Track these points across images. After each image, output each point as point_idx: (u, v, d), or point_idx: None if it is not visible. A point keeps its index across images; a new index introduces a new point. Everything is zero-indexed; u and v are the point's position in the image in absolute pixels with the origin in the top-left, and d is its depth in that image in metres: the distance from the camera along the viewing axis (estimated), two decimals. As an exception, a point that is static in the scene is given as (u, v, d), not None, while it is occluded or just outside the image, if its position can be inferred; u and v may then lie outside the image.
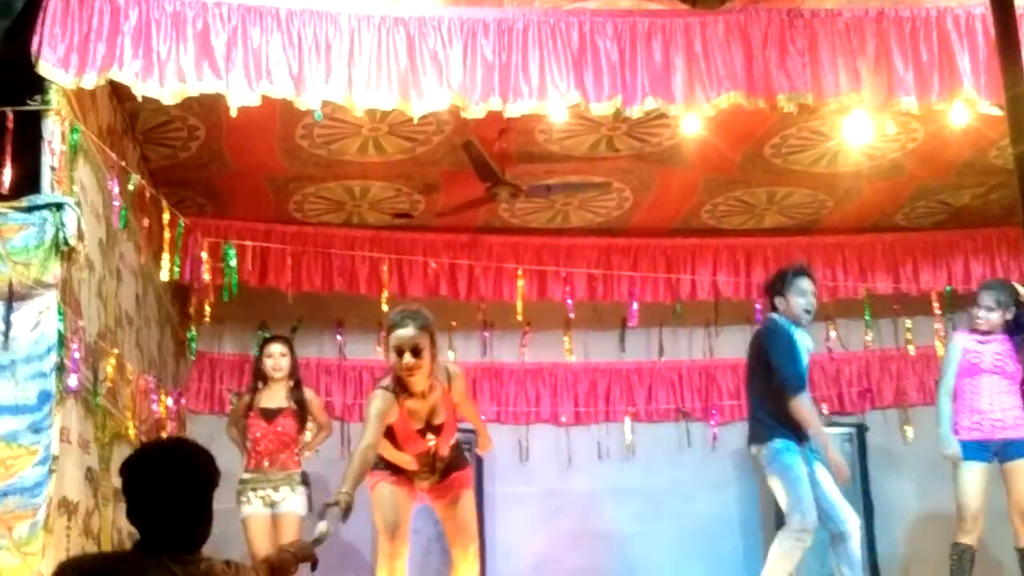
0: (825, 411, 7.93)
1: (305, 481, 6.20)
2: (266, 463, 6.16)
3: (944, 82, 5.06)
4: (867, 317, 8.01)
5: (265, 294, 7.25)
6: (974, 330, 6.01)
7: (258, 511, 6.12)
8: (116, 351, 5.11)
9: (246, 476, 6.17)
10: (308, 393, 6.45)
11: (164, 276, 5.78)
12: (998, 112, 4.97)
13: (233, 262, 6.53)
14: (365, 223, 7.54)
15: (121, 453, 5.31)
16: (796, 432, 5.44)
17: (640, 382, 8.27)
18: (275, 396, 6.30)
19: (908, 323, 8.16)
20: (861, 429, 7.73)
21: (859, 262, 7.87)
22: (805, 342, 5.60)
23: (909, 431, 8.00)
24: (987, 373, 5.87)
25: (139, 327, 5.95)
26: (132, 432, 5.36)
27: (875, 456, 7.71)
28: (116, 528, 5.12)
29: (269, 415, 6.23)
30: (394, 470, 4.90)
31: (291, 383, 6.32)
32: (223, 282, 6.57)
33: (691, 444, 8.18)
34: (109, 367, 4.90)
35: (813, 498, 5.36)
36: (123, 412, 5.28)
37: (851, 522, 5.51)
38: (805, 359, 5.57)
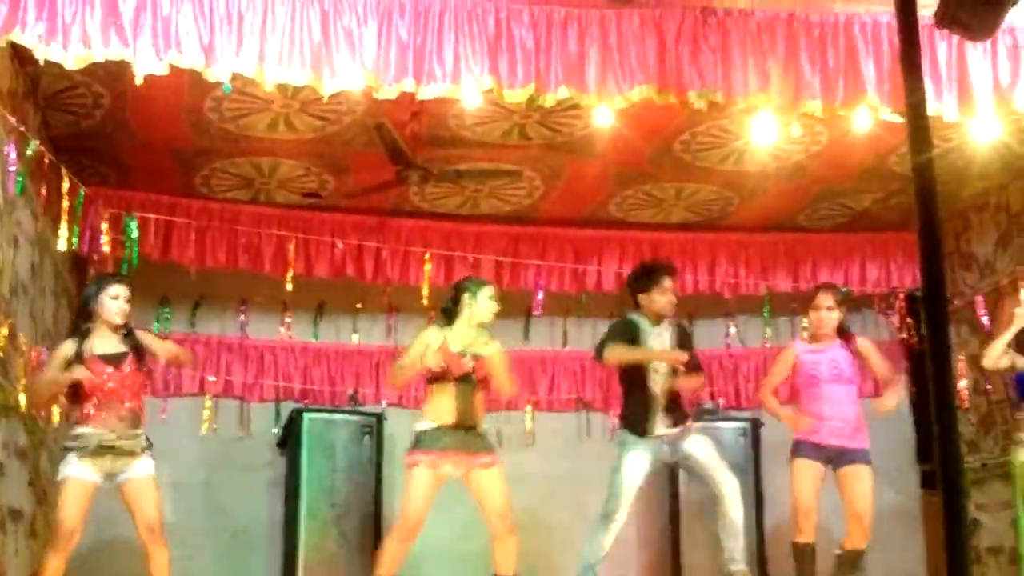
0: (722, 404, 8.08)
1: (149, 446, 5.20)
2: (108, 416, 5.09)
3: (849, 87, 5.19)
4: (766, 314, 8.16)
5: (167, 269, 7.11)
6: (811, 339, 6.07)
7: (85, 476, 5.00)
8: (10, 320, 4.98)
9: (81, 431, 5.06)
10: (140, 334, 5.40)
11: (61, 246, 5.63)
12: (899, 119, 5.11)
13: (135, 234, 6.39)
14: (273, 201, 7.44)
15: (10, 425, 5.18)
16: (638, 422, 5.78)
17: (543, 371, 8.31)
18: (109, 342, 5.23)
19: (805, 322, 8.32)
20: (756, 424, 7.86)
21: (761, 260, 8.01)
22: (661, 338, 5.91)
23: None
24: (825, 383, 5.88)
25: (34, 297, 5.80)
26: (23, 404, 5.22)
27: (768, 451, 7.84)
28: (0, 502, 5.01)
29: (114, 360, 5.16)
30: None
31: (124, 331, 5.29)
32: (123, 255, 6.43)
33: (590, 434, 8.26)
34: (1, 337, 4.77)
35: (633, 487, 5.77)
36: (13, 384, 5.15)
37: (726, 485, 5.71)
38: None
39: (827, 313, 5.97)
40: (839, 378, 5.88)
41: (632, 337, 5.83)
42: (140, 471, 5.10)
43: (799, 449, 5.88)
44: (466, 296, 5.76)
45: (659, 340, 5.89)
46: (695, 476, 6.00)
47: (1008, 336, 6.15)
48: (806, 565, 5.85)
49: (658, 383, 5.80)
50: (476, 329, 5.74)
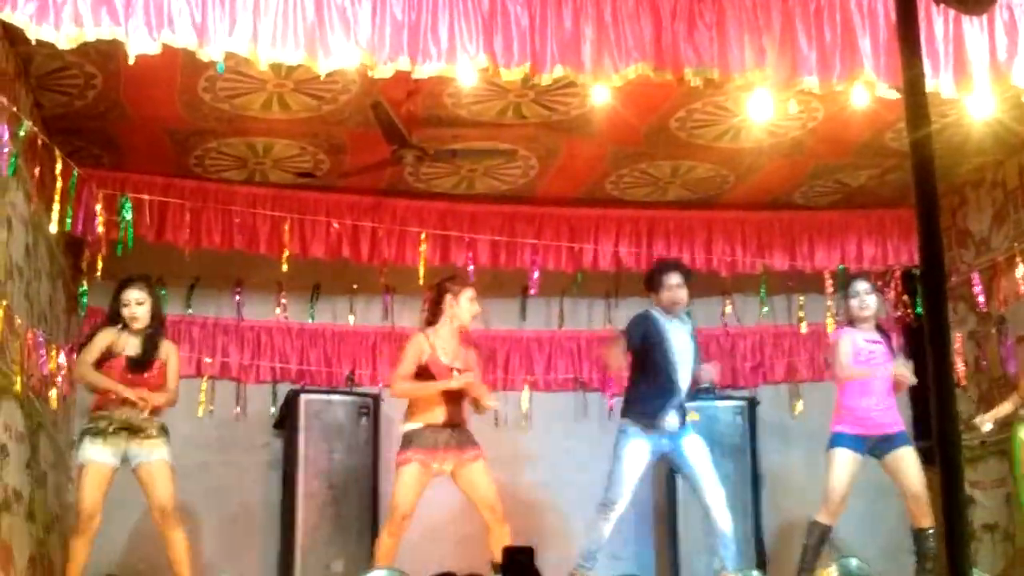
0: (718, 382, 8.08)
1: (164, 432, 5.64)
2: (125, 409, 5.50)
3: (845, 63, 5.17)
4: (763, 293, 8.16)
5: (161, 250, 7.07)
6: (858, 327, 6.13)
7: (104, 460, 5.42)
8: (5, 303, 4.96)
9: (97, 414, 5.51)
10: (169, 347, 5.84)
11: (55, 227, 5.61)
12: (896, 95, 5.09)
13: (129, 216, 6.36)
14: (267, 181, 7.40)
15: (8, 408, 5.17)
16: (648, 415, 5.90)
17: (539, 351, 8.30)
18: (137, 342, 5.70)
19: (801, 300, 8.33)
20: (752, 403, 7.88)
21: (757, 238, 7.99)
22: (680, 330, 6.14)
23: (798, 405, 8.19)
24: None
25: (29, 280, 5.78)
26: (19, 387, 5.21)
27: (765, 429, 7.87)
28: (3, 484, 5.00)
29: (138, 366, 5.62)
30: None
31: (148, 331, 5.72)
32: (118, 236, 6.40)
33: (587, 414, 8.26)
34: (-3, 319, 4.76)
35: (634, 477, 5.89)
36: (11, 366, 5.13)
37: (713, 496, 5.87)
38: (675, 348, 6.05)
39: (866, 296, 6.14)
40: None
41: (646, 330, 6.03)
42: (154, 455, 5.48)
43: (842, 440, 5.96)
44: (448, 297, 5.97)
45: (677, 332, 6.09)
46: (684, 477, 6.17)
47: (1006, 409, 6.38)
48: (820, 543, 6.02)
49: (683, 376, 5.98)
50: (458, 333, 5.97)
